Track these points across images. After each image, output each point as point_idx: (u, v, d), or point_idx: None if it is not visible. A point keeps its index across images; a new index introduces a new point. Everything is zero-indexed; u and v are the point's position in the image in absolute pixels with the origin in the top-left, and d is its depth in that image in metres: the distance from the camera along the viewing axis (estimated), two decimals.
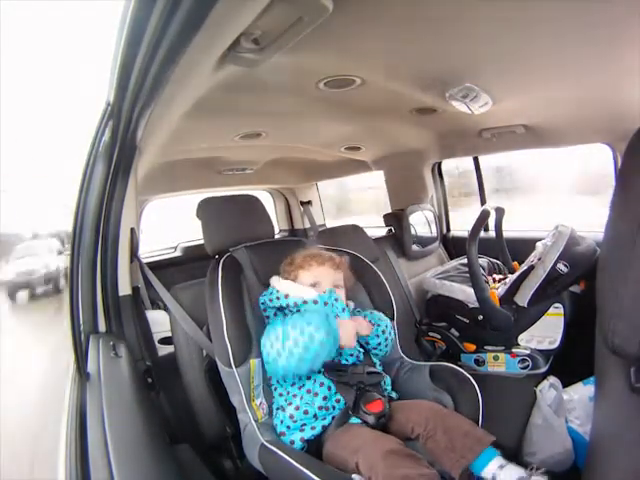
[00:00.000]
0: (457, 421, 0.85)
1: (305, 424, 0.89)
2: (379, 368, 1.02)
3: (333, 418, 0.90)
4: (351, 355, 0.97)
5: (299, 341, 0.83)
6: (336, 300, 0.97)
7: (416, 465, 0.72)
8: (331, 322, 0.87)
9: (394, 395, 1.00)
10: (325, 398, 0.90)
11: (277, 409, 0.93)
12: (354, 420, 0.88)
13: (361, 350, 1.00)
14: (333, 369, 0.92)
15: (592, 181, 2.07)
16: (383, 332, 1.03)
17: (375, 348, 1.03)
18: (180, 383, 1.11)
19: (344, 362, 0.96)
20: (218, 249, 1.09)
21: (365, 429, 0.85)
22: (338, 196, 3.47)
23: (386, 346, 1.04)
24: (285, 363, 0.85)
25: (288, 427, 0.90)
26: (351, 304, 1.06)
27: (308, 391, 0.91)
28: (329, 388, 0.91)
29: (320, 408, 0.90)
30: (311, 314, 0.88)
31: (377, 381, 0.94)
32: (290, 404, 0.91)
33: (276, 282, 1.02)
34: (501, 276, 1.67)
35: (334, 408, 0.90)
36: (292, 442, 0.88)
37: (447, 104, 1.29)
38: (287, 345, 0.84)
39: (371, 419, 0.86)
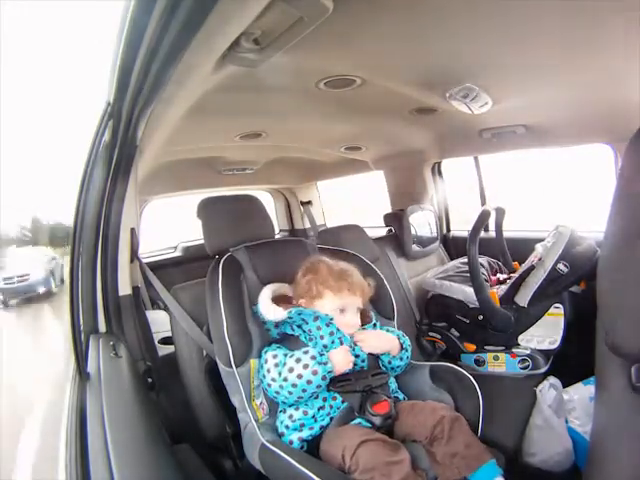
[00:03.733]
0: (461, 432, 0.85)
1: (304, 424, 0.89)
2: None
3: (331, 419, 0.90)
4: (357, 364, 0.96)
5: (297, 387, 0.86)
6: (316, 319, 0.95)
7: (394, 453, 0.76)
8: (326, 360, 0.87)
9: (400, 396, 1.00)
10: (324, 399, 0.91)
11: (279, 411, 0.94)
12: (355, 421, 0.88)
13: (367, 357, 0.97)
14: (337, 381, 0.91)
15: None
16: (406, 350, 1.01)
17: (393, 368, 1.00)
18: (180, 383, 1.11)
19: (349, 370, 0.93)
20: (218, 249, 1.09)
21: (358, 428, 0.85)
22: None
23: (405, 365, 1.02)
24: (284, 400, 0.89)
25: (287, 427, 0.90)
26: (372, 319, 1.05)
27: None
28: (328, 389, 0.91)
29: (319, 409, 0.90)
30: (306, 357, 0.87)
31: (384, 382, 0.94)
32: (290, 405, 0.91)
33: (261, 299, 0.99)
34: (505, 276, 1.67)
35: (331, 407, 0.90)
36: (291, 442, 0.88)
37: (447, 104, 1.29)
38: (285, 388, 0.87)
39: (377, 420, 0.86)
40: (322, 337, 0.93)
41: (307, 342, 0.95)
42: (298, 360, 0.87)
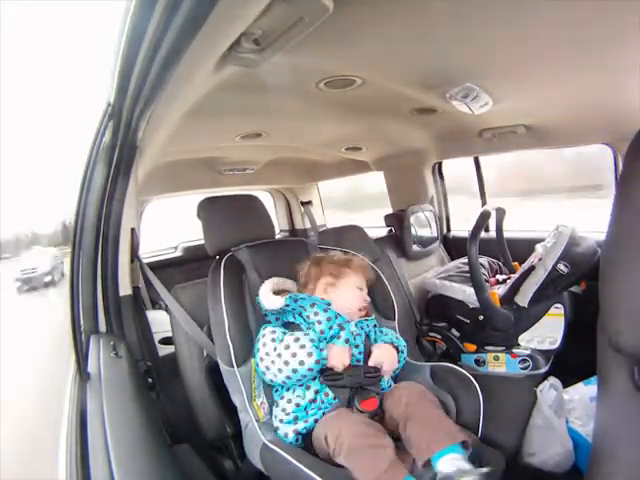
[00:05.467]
0: (432, 413, 0.85)
1: (297, 417, 0.90)
2: None
3: (324, 413, 0.90)
4: (354, 355, 0.95)
5: (289, 365, 0.87)
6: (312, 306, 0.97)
7: (378, 434, 0.78)
8: (323, 346, 0.89)
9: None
10: (316, 392, 0.91)
11: (273, 406, 0.94)
12: None
13: (362, 353, 0.97)
14: (328, 375, 0.91)
15: None
16: (402, 352, 1.02)
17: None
18: (180, 383, 1.11)
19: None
20: (218, 249, 1.09)
21: (345, 415, 0.85)
22: None
23: (399, 368, 1.03)
24: (272, 377, 0.90)
25: (281, 421, 0.91)
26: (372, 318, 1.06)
27: (300, 384, 0.91)
28: (320, 381, 0.91)
29: (311, 401, 0.90)
30: (305, 338, 0.89)
31: (376, 382, 0.93)
32: (282, 397, 0.92)
33: (262, 290, 1.01)
34: (505, 276, 1.67)
35: (323, 402, 0.90)
36: (286, 435, 0.89)
37: (447, 104, 1.29)
38: (277, 364, 0.88)
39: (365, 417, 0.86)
40: (319, 322, 0.94)
41: (305, 330, 0.95)
42: (297, 339, 0.88)
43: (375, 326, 1.05)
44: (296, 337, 0.89)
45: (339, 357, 0.89)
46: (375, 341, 1.03)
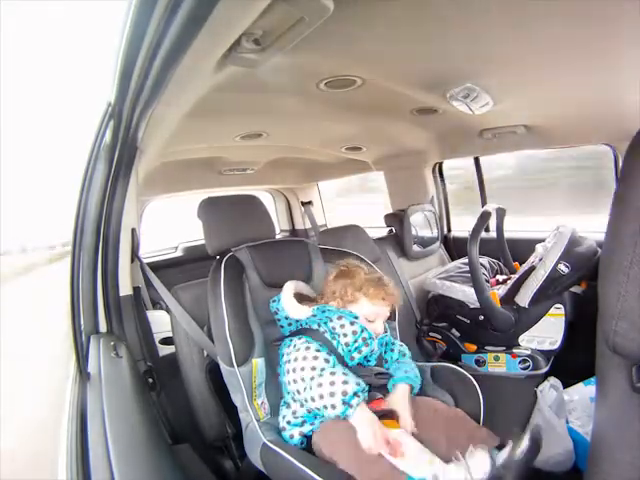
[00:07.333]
0: (459, 424, 0.85)
1: (305, 421, 0.90)
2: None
3: None
4: (367, 360, 0.96)
5: (315, 402, 0.83)
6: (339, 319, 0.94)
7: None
8: (355, 403, 0.81)
9: None
10: None
11: (282, 405, 0.94)
12: None
13: (375, 353, 0.98)
14: None
15: None
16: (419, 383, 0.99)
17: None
18: (181, 383, 1.11)
19: (354, 364, 0.94)
20: (219, 249, 1.09)
21: (348, 424, 0.84)
22: None
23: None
24: (299, 399, 0.88)
25: (288, 422, 0.91)
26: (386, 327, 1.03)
27: None
28: None
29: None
30: (339, 387, 0.82)
31: (384, 383, 0.94)
32: (296, 401, 0.91)
33: (284, 296, 0.99)
34: (506, 276, 1.67)
35: None
36: (291, 436, 0.89)
37: (448, 104, 1.29)
38: (307, 392, 0.84)
39: None
40: (345, 335, 0.93)
41: (331, 340, 0.93)
42: (332, 383, 0.82)
43: (393, 342, 1.06)
44: (332, 380, 0.82)
45: (369, 441, 0.78)
46: (385, 353, 1.03)
